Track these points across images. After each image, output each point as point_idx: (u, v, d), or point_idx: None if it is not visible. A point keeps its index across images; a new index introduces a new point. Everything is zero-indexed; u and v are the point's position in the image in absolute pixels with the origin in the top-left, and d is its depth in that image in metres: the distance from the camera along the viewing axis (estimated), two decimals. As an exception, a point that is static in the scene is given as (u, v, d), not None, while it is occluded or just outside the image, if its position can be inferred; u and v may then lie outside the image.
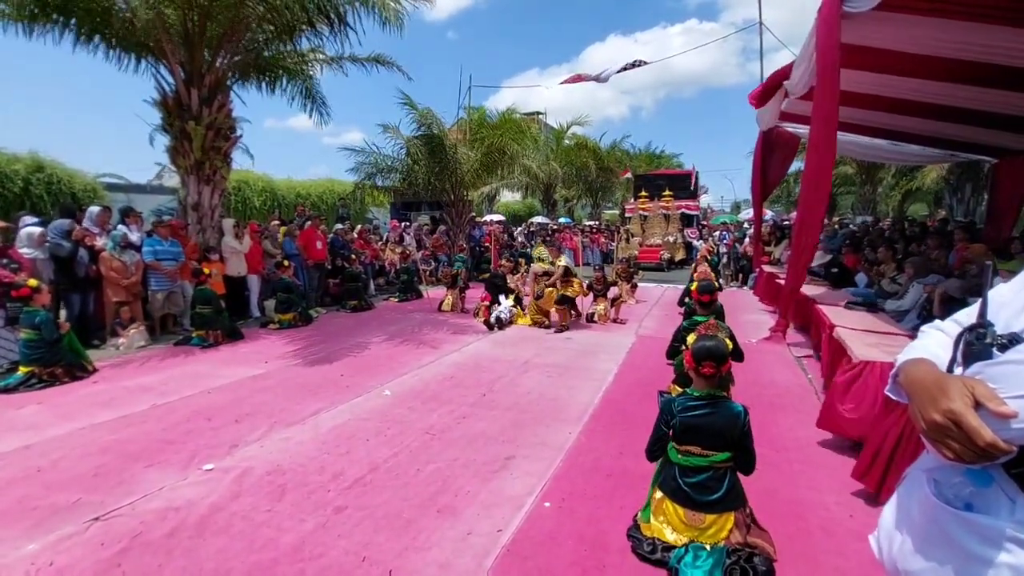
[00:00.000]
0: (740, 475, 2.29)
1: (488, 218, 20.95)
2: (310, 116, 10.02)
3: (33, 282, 5.12)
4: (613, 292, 8.51)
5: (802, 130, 9.52)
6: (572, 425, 3.91)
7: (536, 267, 7.99)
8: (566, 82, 15.09)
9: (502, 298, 8.04)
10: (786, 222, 15.60)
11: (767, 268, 10.60)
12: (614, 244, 16.63)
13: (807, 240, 6.22)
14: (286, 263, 8.19)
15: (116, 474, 3.14)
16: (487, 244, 14.62)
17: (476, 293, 9.16)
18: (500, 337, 7.06)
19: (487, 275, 9.48)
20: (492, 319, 7.61)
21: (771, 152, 10.95)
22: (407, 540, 2.48)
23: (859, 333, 4.23)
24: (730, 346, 2.24)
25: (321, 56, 9.76)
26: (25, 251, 5.90)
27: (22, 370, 4.89)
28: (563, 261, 7.69)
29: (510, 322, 7.71)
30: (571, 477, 3.12)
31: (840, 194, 30.19)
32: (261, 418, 4.03)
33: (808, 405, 4.33)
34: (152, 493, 2.90)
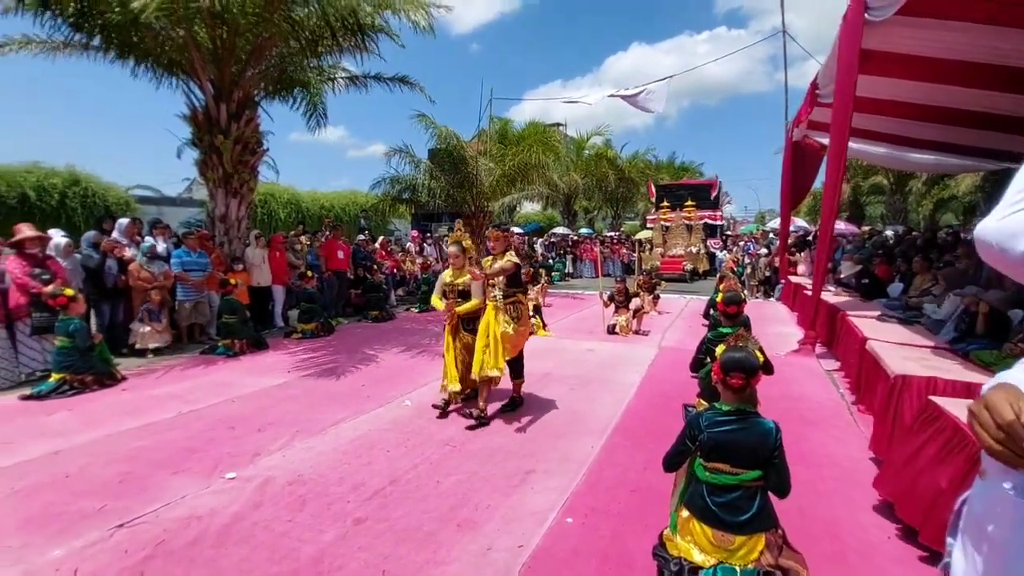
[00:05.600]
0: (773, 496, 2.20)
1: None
2: (310, 127, 10.24)
3: (70, 291, 5.27)
4: (635, 303, 8.41)
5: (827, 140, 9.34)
6: (594, 438, 3.84)
7: (445, 275, 4.62)
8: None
9: None
10: (804, 233, 15.27)
11: (794, 279, 10.39)
12: (635, 255, 16.48)
13: (824, 249, 6.48)
14: (309, 273, 8.31)
15: (141, 481, 3.17)
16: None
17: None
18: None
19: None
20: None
21: (800, 162, 10.79)
22: (427, 554, 2.44)
23: (894, 346, 4.07)
24: (761, 358, 2.16)
25: (347, 73, 9.97)
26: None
27: (54, 377, 5.02)
28: (509, 258, 4.23)
29: (531, 334, 7.64)
30: (594, 492, 3.04)
31: (869, 203, 29.54)
32: (283, 427, 4.05)
33: (840, 420, 4.19)
34: (175, 501, 2.92)
